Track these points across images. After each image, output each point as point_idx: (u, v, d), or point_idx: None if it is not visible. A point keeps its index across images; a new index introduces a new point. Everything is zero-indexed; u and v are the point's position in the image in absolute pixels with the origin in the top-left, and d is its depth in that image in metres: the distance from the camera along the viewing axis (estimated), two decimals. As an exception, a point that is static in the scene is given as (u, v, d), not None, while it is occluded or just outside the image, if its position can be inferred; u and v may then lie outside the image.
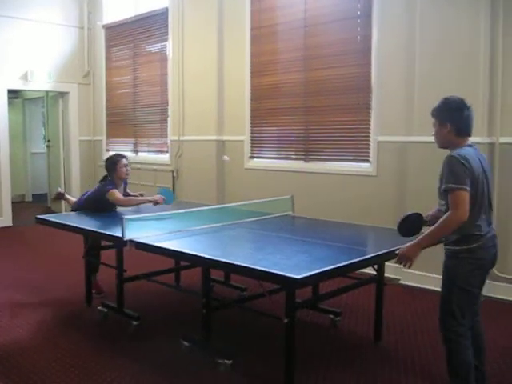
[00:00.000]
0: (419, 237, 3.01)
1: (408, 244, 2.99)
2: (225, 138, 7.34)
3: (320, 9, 6.27)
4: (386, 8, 5.61)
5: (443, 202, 2.96)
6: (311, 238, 3.98)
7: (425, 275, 5.33)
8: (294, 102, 6.59)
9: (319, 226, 4.56)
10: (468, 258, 2.91)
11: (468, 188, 2.81)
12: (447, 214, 2.83)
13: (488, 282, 4.99)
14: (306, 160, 6.50)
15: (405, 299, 5.08)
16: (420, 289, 5.33)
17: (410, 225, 3.16)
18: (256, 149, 7.08)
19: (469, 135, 3.04)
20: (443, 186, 2.87)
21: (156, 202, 5.12)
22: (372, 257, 3.41)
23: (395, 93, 5.60)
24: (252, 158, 7.11)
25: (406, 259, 2.99)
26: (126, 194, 5.32)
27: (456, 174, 2.82)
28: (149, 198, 5.20)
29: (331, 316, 4.37)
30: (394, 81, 5.61)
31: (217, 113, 7.34)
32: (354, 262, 3.18)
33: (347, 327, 4.37)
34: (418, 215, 3.22)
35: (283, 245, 3.80)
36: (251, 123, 7.07)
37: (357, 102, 6.00)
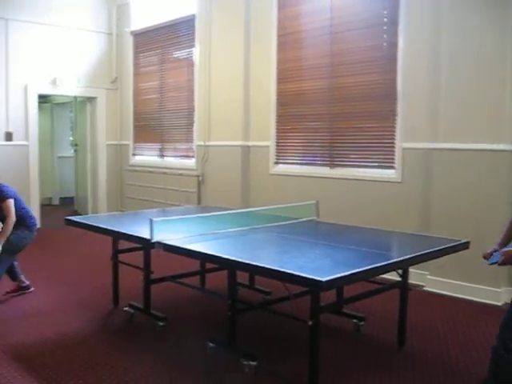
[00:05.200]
0: None
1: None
2: (250, 143, 7.41)
3: (346, 16, 6.32)
4: (412, 15, 5.64)
5: None
6: (335, 243, 4.02)
7: (449, 282, 5.33)
8: (319, 109, 6.63)
9: (344, 231, 4.59)
10: None
11: None
12: None
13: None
14: (331, 166, 6.54)
15: (429, 305, 5.08)
16: (444, 296, 5.33)
17: None
18: (281, 154, 7.13)
19: None
20: None
21: None
22: (396, 262, 3.43)
23: (421, 100, 5.62)
24: (277, 163, 7.16)
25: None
26: None
27: None
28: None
29: (355, 321, 4.39)
30: (419, 88, 5.62)
31: (243, 118, 7.42)
32: (378, 267, 3.20)
33: (371, 332, 4.38)
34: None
35: (307, 249, 3.84)
36: (277, 129, 7.14)
37: (382, 109, 6.02)
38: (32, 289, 5.40)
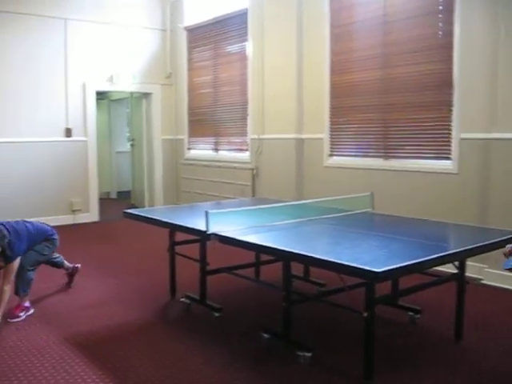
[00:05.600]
0: None
1: None
2: (304, 136, 7.41)
3: (400, 5, 6.22)
4: (468, 2, 5.51)
5: None
6: (390, 234, 3.99)
7: (508, 275, 5.21)
8: (372, 100, 6.57)
9: (398, 223, 4.56)
10: None
11: None
12: None
13: None
14: (386, 158, 6.47)
15: (487, 299, 4.99)
16: (503, 289, 5.22)
17: None
18: (335, 146, 7.11)
19: None
20: None
21: None
22: (452, 253, 3.39)
23: (478, 89, 5.49)
24: (331, 155, 7.14)
25: None
26: None
27: None
28: None
29: (410, 313, 4.36)
30: (476, 77, 5.50)
31: (296, 111, 7.42)
32: (434, 258, 3.17)
33: (427, 325, 4.34)
34: None
35: (362, 240, 3.83)
36: (330, 121, 7.11)
37: (437, 99, 5.92)
38: (79, 265, 5.49)
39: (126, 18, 9.50)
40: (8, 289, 4.43)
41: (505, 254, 3.00)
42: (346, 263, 2.95)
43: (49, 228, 5.00)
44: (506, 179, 5.24)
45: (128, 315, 4.63)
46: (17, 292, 4.64)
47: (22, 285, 4.63)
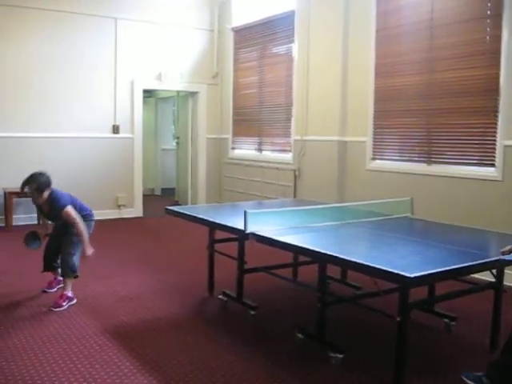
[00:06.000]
0: None
1: None
2: (347, 138, 7.42)
3: (447, 9, 6.17)
4: (517, 8, 5.45)
5: None
6: (428, 240, 3.99)
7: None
8: (416, 104, 6.54)
9: (437, 229, 4.54)
10: None
11: None
12: None
13: None
14: (428, 163, 6.43)
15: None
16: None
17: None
18: (378, 150, 7.09)
19: None
20: None
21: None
22: (489, 261, 3.37)
23: (525, 95, 5.42)
24: (374, 159, 7.13)
25: None
26: None
27: None
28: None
29: (446, 320, 4.33)
30: (523, 83, 5.43)
31: (340, 114, 7.43)
32: (469, 266, 3.17)
33: (462, 332, 4.31)
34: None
35: (398, 245, 3.84)
36: (374, 124, 7.09)
37: (483, 105, 5.85)
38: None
39: (175, 18, 9.67)
40: (80, 226, 4.73)
41: (503, 253, 3.12)
42: (379, 267, 2.98)
43: (88, 208, 5.13)
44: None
45: (166, 310, 4.74)
46: (64, 273, 4.87)
47: (67, 267, 4.83)
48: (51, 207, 4.79)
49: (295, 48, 8.27)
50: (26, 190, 4.71)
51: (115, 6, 9.07)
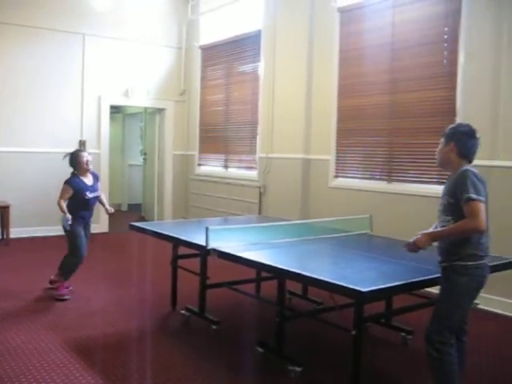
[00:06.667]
0: (432, 231, 3.25)
1: (421, 234, 3.17)
2: (311, 156, 7.56)
3: (407, 33, 6.38)
4: (472, 32, 5.65)
5: (448, 218, 3.09)
6: (384, 256, 4.12)
7: (504, 301, 5.30)
8: (379, 124, 6.72)
9: (394, 245, 4.64)
10: (476, 275, 3.05)
11: (483, 199, 2.98)
12: (464, 220, 2.97)
13: None
14: (389, 181, 6.59)
15: (482, 323, 5.06)
16: (500, 315, 5.29)
17: None
18: (340, 168, 7.24)
19: (470, 161, 3.19)
20: (465, 196, 2.95)
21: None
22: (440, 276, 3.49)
23: (479, 117, 5.59)
24: (336, 177, 7.27)
25: (416, 247, 3.16)
26: (94, 194, 5.79)
27: (475, 185, 2.98)
28: (66, 211, 5.47)
29: (403, 334, 4.46)
30: (478, 105, 5.62)
31: (304, 132, 7.57)
32: (422, 280, 3.30)
33: (418, 346, 4.41)
34: None
35: (356, 261, 3.96)
36: (337, 143, 7.25)
37: (441, 126, 6.00)
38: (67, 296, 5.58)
39: (143, 35, 9.75)
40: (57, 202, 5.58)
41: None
42: (335, 282, 3.09)
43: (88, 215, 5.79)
44: (499, 206, 5.33)
45: (129, 324, 4.78)
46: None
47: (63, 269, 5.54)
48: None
49: (261, 67, 8.41)
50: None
51: (84, 22, 9.11)
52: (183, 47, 10.19)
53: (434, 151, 5.96)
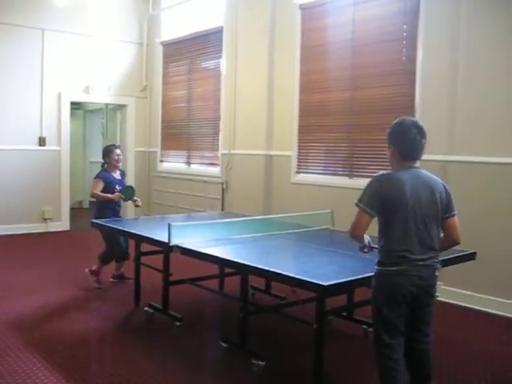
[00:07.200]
0: None
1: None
2: (273, 152, 7.60)
3: (367, 30, 6.47)
4: (430, 30, 5.75)
5: None
6: (346, 250, 4.16)
7: (462, 293, 5.43)
8: (340, 120, 6.79)
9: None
10: (383, 281, 2.93)
11: (368, 210, 2.93)
12: None
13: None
14: (350, 176, 6.68)
15: (441, 315, 5.15)
16: (458, 306, 5.41)
17: None
18: (302, 164, 7.30)
19: (414, 158, 3.04)
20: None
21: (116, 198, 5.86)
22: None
23: (438, 113, 5.71)
24: (298, 172, 7.33)
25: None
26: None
27: (364, 193, 2.96)
28: (110, 196, 5.79)
29: (364, 326, 4.53)
30: (436, 101, 5.73)
31: (266, 128, 7.60)
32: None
33: (380, 338, 4.51)
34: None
35: (317, 255, 4.02)
36: (299, 139, 7.30)
37: (401, 121, 6.14)
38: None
39: (104, 31, 9.63)
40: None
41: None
42: (296, 276, 3.13)
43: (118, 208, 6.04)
44: (460, 198, 5.45)
45: (91, 322, 4.74)
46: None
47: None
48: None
49: (223, 63, 8.41)
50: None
51: (43, 17, 8.95)
52: (144, 43, 10.11)
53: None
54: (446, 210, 3.04)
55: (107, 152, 6.02)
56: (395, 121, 3.08)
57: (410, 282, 2.87)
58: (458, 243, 3.12)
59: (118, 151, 6.01)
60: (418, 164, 3.08)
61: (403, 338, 2.99)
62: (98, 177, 5.92)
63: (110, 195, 5.78)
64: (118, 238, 5.74)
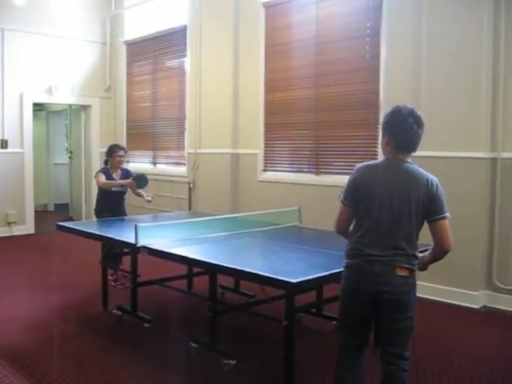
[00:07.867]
0: None
1: None
2: (239, 151, 7.59)
3: (331, 28, 6.51)
4: (393, 27, 5.83)
5: None
6: (313, 247, 4.19)
7: (431, 286, 5.49)
8: (305, 117, 6.82)
9: (323, 236, 4.75)
10: (343, 275, 2.86)
11: (345, 201, 2.85)
12: None
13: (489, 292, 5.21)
14: (317, 173, 6.72)
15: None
16: (426, 299, 5.47)
17: None
18: (269, 162, 7.32)
19: (409, 149, 2.78)
20: None
21: (128, 185, 5.98)
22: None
23: (402, 109, 5.78)
24: (265, 170, 7.34)
25: None
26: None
27: (347, 185, 2.86)
28: (122, 181, 5.93)
29: (334, 322, 4.55)
30: (400, 98, 5.73)
31: (232, 127, 7.60)
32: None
33: (349, 333, 4.54)
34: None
35: (285, 253, 4.02)
36: (265, 137, 7.32)
37: (366, 118, 6.20)
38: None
39: (66, 30, 9.50)
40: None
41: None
42: (265, 274, 3.12)
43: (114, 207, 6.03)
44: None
45: (59, 327, 4.67)
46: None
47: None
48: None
49: (187, 62, 8.37)
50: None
51: (2, 16, 8.78)
52: (108, 42, 10.00)
53: (359, 143, 6.22)
54: (430, 210, 2.72)
55: (110, 151, 6.03)
56: (391, 109, 2.84)
57: (364, 279, 2.71)
58: (446, 251, 2.75)
59: (120, 152, 6.00)
60: (410, 158, 2.81)
61: (363, 345, 2.88)
62: (98, 171, 5.98)
63: (122, 181, 5.85)
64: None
